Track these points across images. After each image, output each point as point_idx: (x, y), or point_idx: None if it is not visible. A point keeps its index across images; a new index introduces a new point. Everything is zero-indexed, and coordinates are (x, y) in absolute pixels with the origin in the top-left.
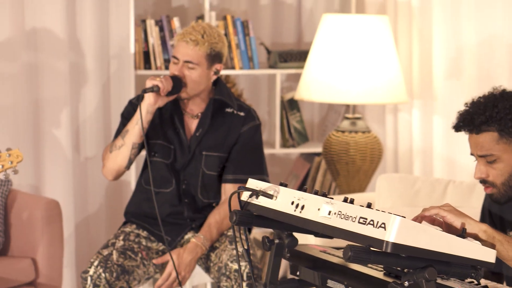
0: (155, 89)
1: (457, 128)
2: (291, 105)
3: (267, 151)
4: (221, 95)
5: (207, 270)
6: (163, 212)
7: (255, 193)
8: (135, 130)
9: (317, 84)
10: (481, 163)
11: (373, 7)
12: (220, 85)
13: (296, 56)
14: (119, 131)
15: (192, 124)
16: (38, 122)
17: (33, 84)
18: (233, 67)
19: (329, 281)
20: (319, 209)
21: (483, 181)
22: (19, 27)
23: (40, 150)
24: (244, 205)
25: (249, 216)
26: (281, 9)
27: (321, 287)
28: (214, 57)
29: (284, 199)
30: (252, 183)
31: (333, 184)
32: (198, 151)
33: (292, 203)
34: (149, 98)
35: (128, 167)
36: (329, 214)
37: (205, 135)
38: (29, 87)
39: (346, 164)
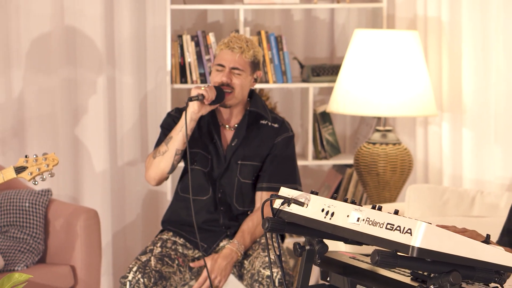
0: (200, 98)
1: None
2: (323, 118)
3: (300, 162)
4: (256, 108)
5: (240, 277)
6: (199, 219)
7: (287, 200)
8: (178, 136)
9: (348, 97)
10: None
11: (403, 23)
12: (255, 98)
13: (328, 70)
14: (160, 141)
15: (228, 135)
16: (77, 134)
17: (71, 96)
18: (267, 81)
19: (358, 286)
20: (348, 216)
21: None
22: (60, 42)
23: (78, 161)
24: (276, 212)
25: (281, 223)
26: (314, 24)
27: None
28: (256, 65)
29: (314, 207)
30: (284, 191)
31: (364, 195)
32: (234, 161)
33: (322, 210)
34: (193, 106)
35: (170, 172)
36: (357, 220)
37: (240, 146)
38: (68, 100)
39: (376, 175)
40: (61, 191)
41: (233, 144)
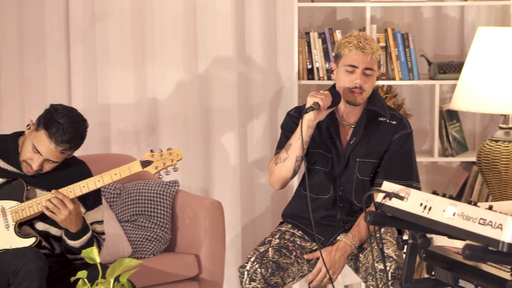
0: (315, 107)
1: None
2: (450, 115)
3: (427, 159)
4: (375, 105)
5: (356, 270)
6: (317, 215)
7: (388, 194)
8: (297, 144)
9: (471, 95)
10: None
11: None
12: (373, 95)
13: (455, 67)
14: (281, 143)
15: (347, 132)
16: (208, 130)
17: (203, 93)
18: (393, 78)
19: (460, 280)
20: (444, 210)
21: None
22: (191, 39)
23: (209, 156)
24: (378, 206)
25: (382, 217)
26: (444, 22)
27: (454, 287)
28: (379, 63)
29: (414, 201)
30: (387, 185)
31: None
32: (352, 158)
33: (421, 204)
34: (309, 115)
35: (292, 177)
36: (453, 215)
37: (359, 143)
38: (200, 96)
39: (498, 173)
40: (193, 183)
41: (351, 142)
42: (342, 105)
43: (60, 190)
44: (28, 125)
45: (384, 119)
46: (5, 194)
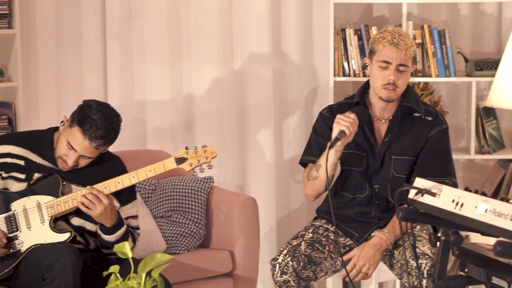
0: (341, 137)
1: None
2: (487, 113)
3: (463, 156)
4: (409, 101)
5: (391, 267)
6: (351, 212)
7: (420, 191)
8: (326, 165)
9: (508, 92)
10: None
11: None
12: (408, 91)
13: (492, 64)
14: (309, 146)
15: (382, 129)
16: (244, 126)
17: (238, 90)
18: (429, 75)
19: (493, 278)
20: (476, 207)
21: None
22: (228, 40)
23: (245, 152)
24: (410, 202)
25: (414, 213)
26: (481, 18)
27: (487, 284)
28: (414, 59)
29: (446, 197)
30: (419, 182)
31: None
32: (388, 156)
33: (453, 201)
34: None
35: (326, 190)
36: (485, 212)
37: (394, 140)
38: (236, 93)
39: None
40: (228, 179)
41: (386, 139)
42: (376, 101)
43: (95, 185)
44: (62, 122)
45: (419, 115)
46: (41, 189)
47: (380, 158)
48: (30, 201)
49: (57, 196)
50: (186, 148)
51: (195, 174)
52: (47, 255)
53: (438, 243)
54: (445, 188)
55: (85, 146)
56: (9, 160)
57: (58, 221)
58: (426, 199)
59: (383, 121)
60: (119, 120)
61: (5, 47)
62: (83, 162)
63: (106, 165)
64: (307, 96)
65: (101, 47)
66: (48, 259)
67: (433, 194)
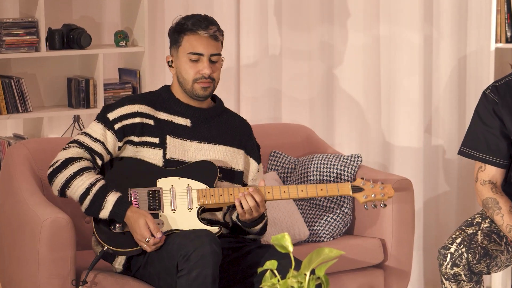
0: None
1: None
2: None
3: None
4: None
5: None
6: None
7: None
8: None
9: None
10: None
11: None
12: None
13: None
14: (473, 135)
15: None
16: (393, 104)
17: (384, 56)
18: None
19: None
20: None
21: None
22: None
23: (392, 129)
24: None
25: None
26: None
27: None
28: None
29: None
30: None
31: None
32: None
33: None
34: None
35: None
36: None
37: None
38: (386, 58)
39: None
40: (370, 158)
41: None
42: None
43: (259, 186)
44: (168, 62)
45: None
46: (195, 173)
47: None
48: (179, 183)
49: (211, 186)
50: (362, 178)
51: (366, 207)
52: (184, 242)
53: None
54: None
55: (205, 41)
56: (138, 120)
57: (204, 213)
58: None
59: None
60: None
61: (131, 9)
62: (215, 73)
63: (237, 126)
64: (460, 65)
65: (234, 9)
66: (185, 248)
67: None
